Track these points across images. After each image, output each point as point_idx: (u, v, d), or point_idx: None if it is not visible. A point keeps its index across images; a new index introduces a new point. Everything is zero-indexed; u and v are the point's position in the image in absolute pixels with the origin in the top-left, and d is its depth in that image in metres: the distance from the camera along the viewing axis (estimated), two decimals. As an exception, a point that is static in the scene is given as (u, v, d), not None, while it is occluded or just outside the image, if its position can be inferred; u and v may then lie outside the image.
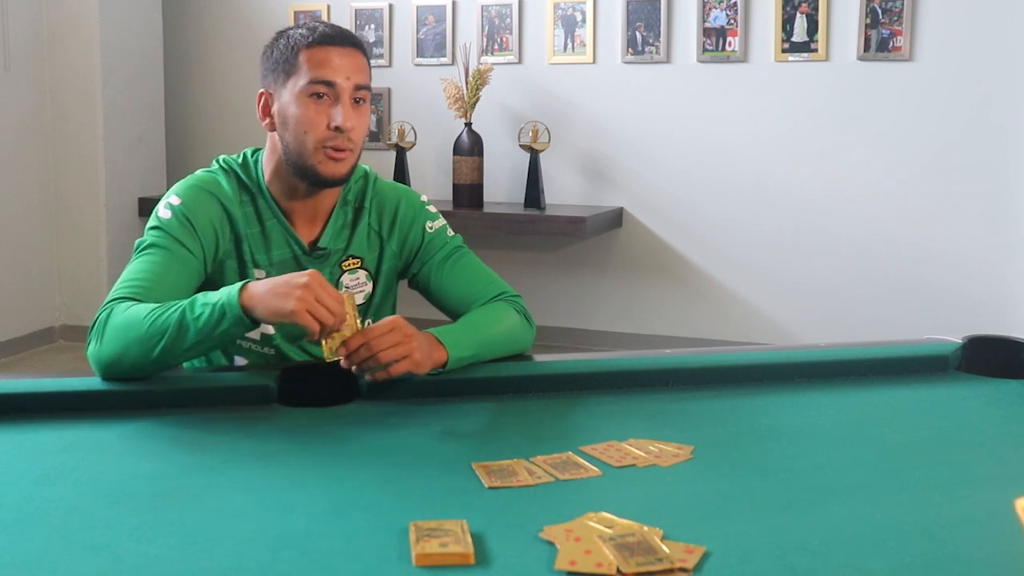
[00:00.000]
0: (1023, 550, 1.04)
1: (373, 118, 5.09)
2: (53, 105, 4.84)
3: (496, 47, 4.86)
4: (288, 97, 1.64)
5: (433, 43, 4.95)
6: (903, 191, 4.35)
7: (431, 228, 1.80)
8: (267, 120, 1.69)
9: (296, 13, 5.13)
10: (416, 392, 1.55)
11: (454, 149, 4.70)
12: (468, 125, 4.67)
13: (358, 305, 1.76)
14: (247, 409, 1.49)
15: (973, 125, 4.23)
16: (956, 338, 1.77)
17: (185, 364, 1.72)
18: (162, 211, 1.66)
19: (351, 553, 1.02)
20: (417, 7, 4.96)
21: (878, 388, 1.65)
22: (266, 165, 1.72)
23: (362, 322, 1.73)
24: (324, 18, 5.08)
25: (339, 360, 1.48)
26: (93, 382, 1.51)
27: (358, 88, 1.64)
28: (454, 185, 4.69)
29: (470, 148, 4.65)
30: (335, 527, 1.08)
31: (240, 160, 1.75)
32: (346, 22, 5.05)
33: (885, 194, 4.38)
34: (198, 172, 1.74)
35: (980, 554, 1.03)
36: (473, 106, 4.65)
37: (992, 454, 1.36)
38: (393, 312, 1.86)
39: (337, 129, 1.61)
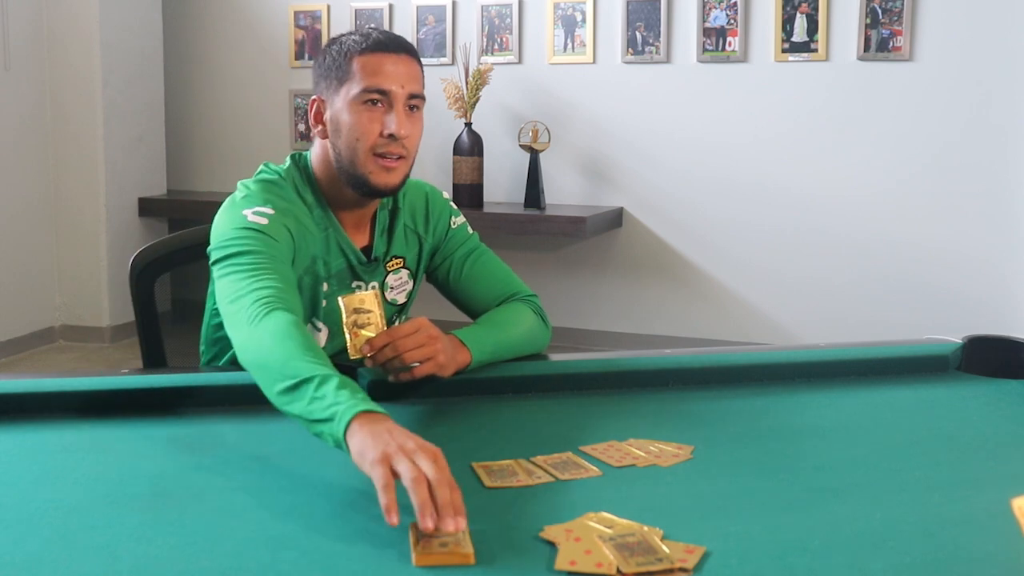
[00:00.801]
0: (1022, 550, 1.04)
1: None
2: (53, 105, 4.84)
3: (496, 47, 4.86)
4: (341, 104, 1.60)
5: (433, 43, 4.95)
6: (903, 191, 4.35)
7: (454, 224, 1.82)
8: (319, 127, 1.66)
9: (296, 13, 5.13)
10: (416, 392, 1.55)
11: (454, 149, 4.70)
12: (468, 125, 4.67)
13: (402, 304, 1.77)
14: (248, 409, 1.49)
15: (973, 125, 4.23)
16: (956, 338, 1.77)
17: (202, 361, 1.75)
18: (255, 217, 1.55)
19: (351, 553, 1.02)
20: (417, 7, 4.96)
21: (878, 388, 1.65)
22: (317, 171, 1.68)
23: (390, 322, 1.74)
24: (323, 19, 5.09)
25: (363, 359, 1.47)
26: (93, 382, 1.52)
27: (412, 96, 1.61)
28: (454, 185, 4.69)
29: (470, 148, 4.65)
30: (335, 527, 1.08)
31: (293, 168, 1.68)
32: (346, 22, 5.06)
33: (885, 194, 4.38)
34: (253, 185, 1.64)
35: (980, 554, 1.03)
36: (473, 106, 4.66)
37: (992, 454, 1.36)
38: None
39: (391, 136, 1.58)
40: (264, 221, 1.55)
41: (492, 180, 4.87)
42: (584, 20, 4.70)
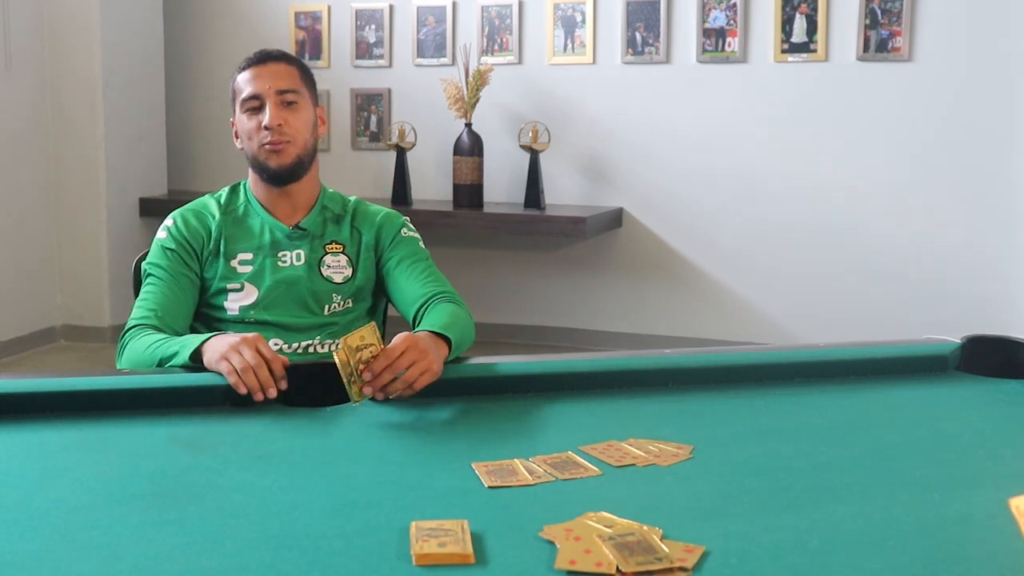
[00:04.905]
0: (1022, 549, 1.04)
1: (373, 118, 5.10)
2: (54, 105, 4.84)
3: (496, 47, 4.86)
4: (237, 116, 1.98)
5: (433, 43, 4.96)
6: (903, 191, 4.36)
7: (405, 234, 2.03)
8: (238, 141, 2.01)
9: (296, 13, 5.13)
10: (416, 392, 1.55)
11: (454, 149, 4.70)
12: (468, 125, 4.67)
13: (337, 283, 1.97)
14: (247, 409, 1.49)
15: (972, 125, 4.23)
16: (955, 338, 1.77)
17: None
18: (161, 234, 1.98)
19: (351, 553, 1.02)
20: (417, 7, 4.96)
21: (878, 388, 1.65)
22: (249, 180, 2.04)
23: (327, 297, 1.96)
24: (324, 19, 5.09)
25: (367, 398, 1.50)
26: (93, 382, 1.52)
27: (281, 92, 1.93)
28: (454, 185, 4.69)
29: (470, 148, 4.65)
30: (335, 527, 1.08)
31: (231, 187, 2.06)
32: (346, 22, 5.06)
33: (885, 194, 4.38)
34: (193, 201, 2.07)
35: (979, 554, 1.03)
36: (473, 106, 4.66)
37: (991, 454, 1.36)
38: (374, 296, 2.05)
39: (266, 128, 1.91)
40: (164, 236, 1.97)
41: (492, 180, 4.87)
42: (584, 20, 4.70)
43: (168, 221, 1.99)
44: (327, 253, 1.98)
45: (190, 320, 1.94)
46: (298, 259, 1.96)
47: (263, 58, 1.97)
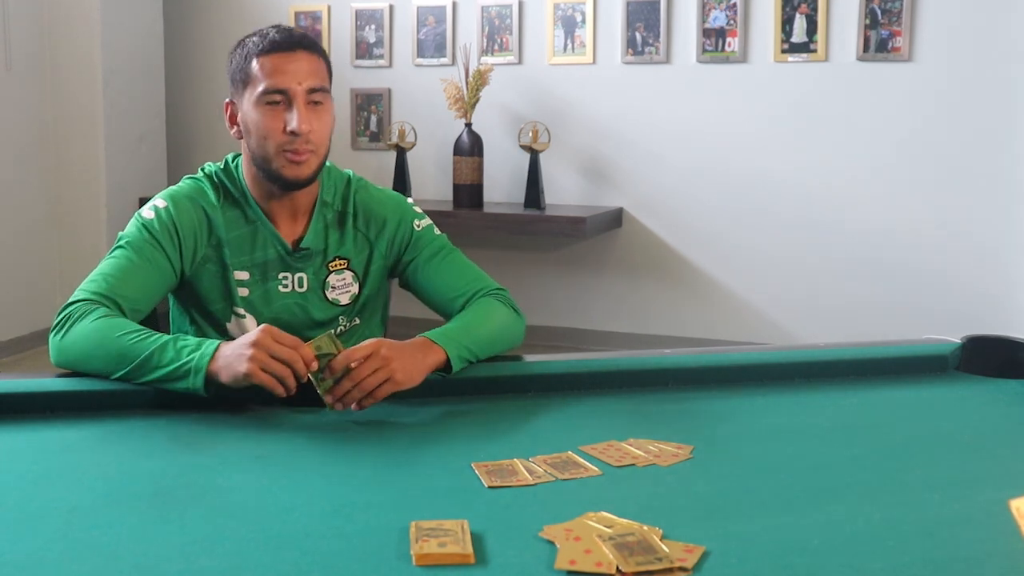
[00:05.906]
0: (1022, 549, 1.04)
1: (373, 118, 5.10)
2: (54, 105, 4.84)
3: (496, 47, 4.86)
4: (248, 106, 1.69)
5: (433, 43, 4.96)
6: (904, 191, 4.36)
7: (418, 226, 1.84)
8: (235, 128, 1.75)
9: (297, 14, 5.13)
10: (415, 392, 1.55)
11: (454, 149, 4.70)
12: (468, 125, 4.67)
13: (344, 306, 1.81)
14: (247, 409, 1.49)
15: (973, 125, 4.23)
16: (955, 338, 1.77)
17: None
18: (146, 212, 1.73)
19: (351, 553, 1.02)
20: (417, 7, 4.96)
21: (878, 388, 1.65)
22: (244, 170, 1.78)
23: (334, 321, 1.80)
24: (324, 19, 5.09)
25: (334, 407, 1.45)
26: (93, 382, 1.52)
27: (312, 91, 1.68)
28: (454, 185, 4.69)
29: (470, 148, 4.65)
30: (335, 527, 1.08)
31: (223, 167, 1.80)
32: (346, 22, 5.06)
33: (885, 195, 4.38)
34: (185, 180, 1.80)
35: (979, 554, 1.03)
36: (473, 106, 4.66)
37: (991, 454, 1.36)
38: (383, 308, 1.92)
39: (293, 133, 1.65)
40: (151, 215, 1.71)
41: (492, 180, 4.87)
42: (584, 20, 4.70)
43: (159, 202, 1.73)
44: (331, 272, 1.78)
45: (146, 315, 1.70)
46: (300, 284, 1.77)
47: (291, 43, 1.67)
